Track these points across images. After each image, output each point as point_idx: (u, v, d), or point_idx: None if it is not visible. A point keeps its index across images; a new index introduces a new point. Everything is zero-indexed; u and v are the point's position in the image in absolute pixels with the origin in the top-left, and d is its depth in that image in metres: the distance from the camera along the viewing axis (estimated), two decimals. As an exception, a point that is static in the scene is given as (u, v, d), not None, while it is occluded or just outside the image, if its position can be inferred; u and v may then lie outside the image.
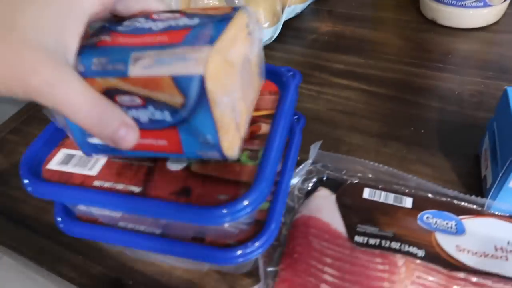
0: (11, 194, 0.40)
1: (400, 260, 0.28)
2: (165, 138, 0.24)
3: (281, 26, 0.52)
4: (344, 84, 0.47)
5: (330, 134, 0.41)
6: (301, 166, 0.34)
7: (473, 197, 0.31)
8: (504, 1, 0.49)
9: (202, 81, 0.20)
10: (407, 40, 0.52)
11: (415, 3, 0.57)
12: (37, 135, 0.26)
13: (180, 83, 0.20)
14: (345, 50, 0.52)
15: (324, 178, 0.35)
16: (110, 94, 0.22)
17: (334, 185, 0.35)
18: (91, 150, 0.26)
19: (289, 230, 0.32)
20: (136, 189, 0.26)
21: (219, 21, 0.24)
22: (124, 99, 0.22)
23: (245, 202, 0.23)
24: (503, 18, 0.51)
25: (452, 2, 0.49)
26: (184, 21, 0.24)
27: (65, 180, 0.26)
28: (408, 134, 0.40)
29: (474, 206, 0.32)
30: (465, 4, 0.48)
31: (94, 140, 0.25)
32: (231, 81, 0.22)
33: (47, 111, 0.24)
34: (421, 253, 0.29)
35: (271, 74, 0.31)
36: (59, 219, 0.29)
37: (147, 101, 0.22)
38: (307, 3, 0.56)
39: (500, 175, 0.29)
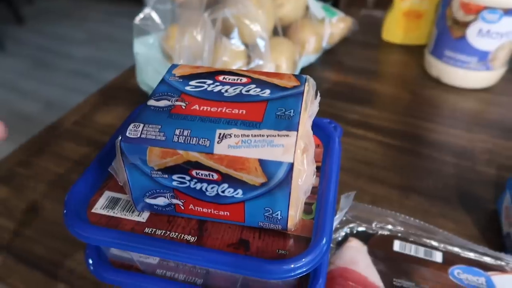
0: (22, 233, 0.38)
1: (441, 317, 0.29)
2: (228, 210, 0.24)
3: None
4: (360, 134, 0.49)
5: (352, 184, 0.42)
6: (336, 216, 0.35)
7: (502, 254, 0.33)
8: (504, 66, 0.53)
9: (290, 168, 0.21)
10: (415, 95, 0.55)
11: (419, 60, 0.61)
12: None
13: (267, 166, 0.21)
14: (358, 101, 0.54)
15: (356, 230, 0.36)
16: (189, 166, 0.22)
17: (364, 236, 0.35)
18: (146, 208, 0.26)
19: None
20: (191, 238, 0.25)
21: (292, 96, 0.24)
22: (202, 173, 0.22)
23: (307, 259, 0.23)
24: (502, 81, 0.56)
25: (457, 64, 0.53)
26: (254, 89, 0.25)
27: (114, 226, 0.25)
28: (428, 188, 0.41)
29: (502, 263, 0.33)
30: (469, 66, 0.52)
31: (152, 201, 0.25)
32: (306, 163, 0.23)
33: (111, 168, 0.24)
34: (460, 310, 0.29)
35: (314, 126, 0.32)
36: (90, 261, 0.28)
37: (224, 178, 0.22)
38: (319, 54, 0.59)
39: (531, 234, 0.31)
